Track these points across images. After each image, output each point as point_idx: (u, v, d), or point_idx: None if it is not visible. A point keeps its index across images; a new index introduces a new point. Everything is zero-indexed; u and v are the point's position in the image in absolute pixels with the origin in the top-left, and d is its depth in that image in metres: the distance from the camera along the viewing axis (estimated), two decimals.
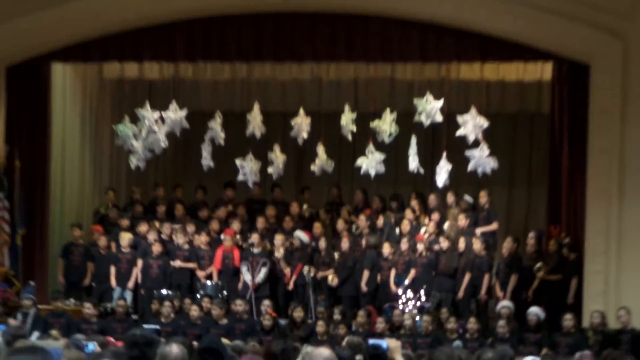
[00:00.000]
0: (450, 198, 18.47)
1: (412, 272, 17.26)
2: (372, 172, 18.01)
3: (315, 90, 19.86)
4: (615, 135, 16.11)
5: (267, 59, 18.73)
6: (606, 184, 16.22)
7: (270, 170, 18.55)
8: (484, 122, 17.32)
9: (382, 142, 17.91)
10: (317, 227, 18.46)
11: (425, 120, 17.57)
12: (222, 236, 18.20)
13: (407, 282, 17.19)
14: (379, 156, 17.87)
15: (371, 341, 12.45)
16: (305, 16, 17.54)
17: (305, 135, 18.32)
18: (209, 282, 17.71)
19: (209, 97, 20.19)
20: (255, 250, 17.89)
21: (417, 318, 16.19)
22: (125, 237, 18.07)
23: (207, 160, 18.61)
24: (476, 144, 17.30)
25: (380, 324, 15.97)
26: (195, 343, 9.99)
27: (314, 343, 12.16)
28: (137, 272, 17.80)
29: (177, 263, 17.82)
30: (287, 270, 17.78)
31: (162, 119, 18.21)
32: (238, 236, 18.43)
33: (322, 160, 18.44)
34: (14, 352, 4.59)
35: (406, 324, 15.96)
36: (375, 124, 17.89)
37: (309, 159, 18.73)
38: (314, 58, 18.55)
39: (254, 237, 17.99)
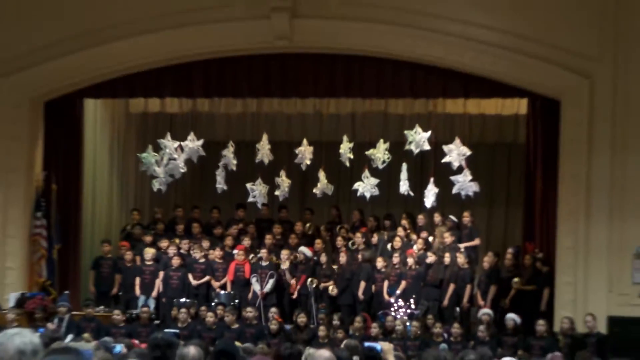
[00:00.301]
0: (437, 217, 18.61)
1: (403, 283, 17.32)
2: (367, 195, 18.11)
3: (317, 122, 19.97)
4: (582, 163, 16.21)
5: (274, 95, 18.90)
6: (575, 206, 16.29)
7: (277, 193, 18.66)
8: (466, 151, 17.43)
9: (376, 168, 17.99)
10: (319, 243, 18.54)
11: (414, 149, 17.67)
12: (235, 251, 18.23)
13: (398, 292, 17.24)
14: (373, 181, 17.97)
15: (367, 344, 12.59)
16: (308, 57, 17.65)
17: (308, 162, 18.44)
18: (222, 292, 17.78)
19: (222, 129, 20.29)
20: (264, 263, 17.92)
21: (407, 323, 16.16)
22: (149, 252, 18.13)
23: (221, 184, 18.72)
24: (460, 170, 17.37)
25: (375, 328, 16.03)
26: (211, 348, 10.15)
27: (315, 345, 12.21)
28: (159, 282, 17.87)
29: (194, 282, 17.86)
30: (293, 281, 17.87)
31: (181, 148, 18.33)
32: (249, 251, 18.52)
33: (323, 184, 18.56)
34: (51, 352, 4.75)
35: (397, 329, 16.00)
36: (370, 152, 17.97)
37: (311, 183, 18.84)
38: (316, 94, 18.71)
39: (263, 252, 18.04)
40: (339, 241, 18.53)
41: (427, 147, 17.69)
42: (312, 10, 16.83)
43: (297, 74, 17.98)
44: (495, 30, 16.35)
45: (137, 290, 17.99)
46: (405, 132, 17.88)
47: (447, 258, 17.44)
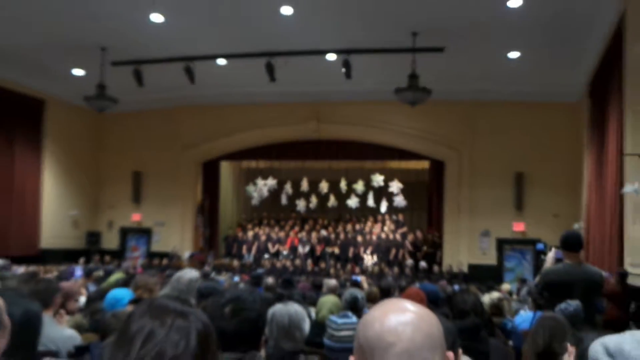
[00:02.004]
0: (387, 217, 18.60)
1: (370, 248, 17.31)
2: (354, 206, 18.25)
3: (330, 172, 19.61)
4: (456, 191, 16.18)
5: (309, 159, 18.73)
6: (452, 211, 16.26)
7: (310, 205, 18.69)
8: (401, 186, 17.61)
9: (357, 194, 18.10)
10: (330, 229, 18.61)
11: (375, 185, 17.80)
12: (291, 233, 18.42)
13: (368, 252, 17.28)
14: (356, 199, 18.11)
15: (353, 277, 12.66)
16: (326, 141, 17.59)
17: (325, 190, 18.49)
18: (284, 252, 17.86)
19: (285, 175, 20.00)
20: (304, 239, 18.05)
21: (374, 267, 16.41)
22: (250, 233, 18.30)
23: (284, 201, 18.85)
24: (397, 195, 17.59)
25: (357, 269, 16.17)
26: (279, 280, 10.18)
27: (328, 278, 12.38)
28: (254, 248, 17.91)
29: (271, 250, 18.03)
30: (318, 247, 17.92)
31: (265, 184, 18.54)
32: (297, 233, 18.66)
33: (332, 202, 18.63)
34: (204, 281, 5.02)
35: (368, 270, 16.10)
36: (354, 186, 18.12)
37: (327, 200, 18.76)
38: (329, 158, 18.55)
39: (303, 233, 18.25)
40: (340, 228, 18.57)
41: (382, 183, 17.83)
42: (327, 119, 16.82)
43: (320, 149, 17.88)
44: (412, 128, 16.27)
45: (245, 251, 18.08)
46: (371, 176, 18.01)
47: (391, 236, 17.51)
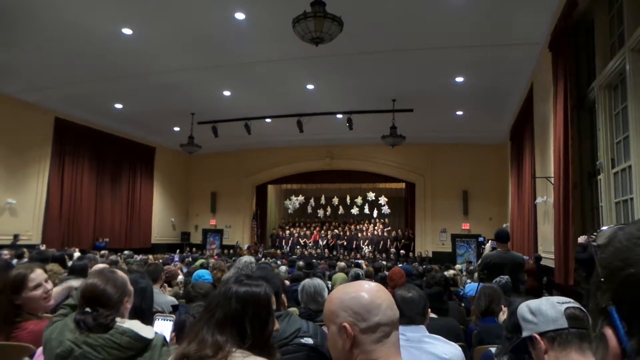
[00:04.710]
0: (378, 221, 18.22)
1: (367, 241, 17.02)
2: (355, 213, 17.94)
3: (339, 191, 19.35)
4: (423, 202, 15.80)
5: (325, 183, 18.35)
6: (421, 216, 15.81)
7: (327, 213, 18.44)
8: (386, 199, 17.32)
9: (358, 205, 17.87)
10: (340, 229, 18.23)
11: (370, 199, 17.54)
12: (314, 231, 18.16)
13: (365, 243, 16.97)
14: (357, 209, 17.89)
15: (356, 261, 12.40)
16: (336, 170, 17.23)
17: (336, 203, 18.26)
18: (310, 244, 17.57)
19: (310, 193, 19.73)
20: (323, 235, 17.82)
21: (369, 254, 16.08)
22: (287, 232, 18.11)
23: (309, 210, 18.60)
24: (384, 206, 17.27)
25: (358, 256, 15.83)
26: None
27: (339, 261, 12.19)
28: (290, 241, 17.71)
29: (301, 243, 17.71)
30: (332, 241, 17.67)
31: (297, 200, 18.45)
32: (319, 231, 18.41)
33: (341, 211, 18.34)
34: (259, 264, 4.85)
35: (366, 255, 15.76)
36: (355, 200, 17.94)
37: (337, 210, 18.51)
38: (339, 182, 18.15)
39: (322, 232, 17.90)
40: (346, 228, 18.23)
41: (374, 198, 17.57)
42: (337, 156, 16.75)
43: (333, 176, 17.57)
44: (393, 161, 16.07)
45: (284, 244, 17.88)
46: (367, 193, 17.80)
47: (380, 233, 17.15)
